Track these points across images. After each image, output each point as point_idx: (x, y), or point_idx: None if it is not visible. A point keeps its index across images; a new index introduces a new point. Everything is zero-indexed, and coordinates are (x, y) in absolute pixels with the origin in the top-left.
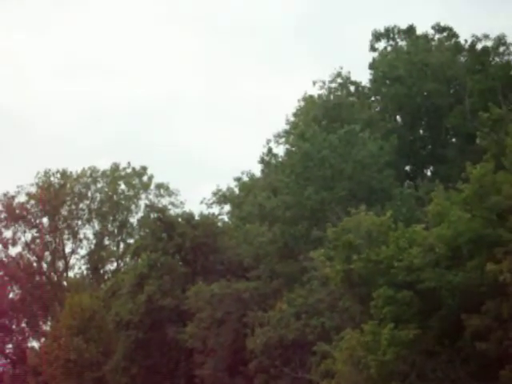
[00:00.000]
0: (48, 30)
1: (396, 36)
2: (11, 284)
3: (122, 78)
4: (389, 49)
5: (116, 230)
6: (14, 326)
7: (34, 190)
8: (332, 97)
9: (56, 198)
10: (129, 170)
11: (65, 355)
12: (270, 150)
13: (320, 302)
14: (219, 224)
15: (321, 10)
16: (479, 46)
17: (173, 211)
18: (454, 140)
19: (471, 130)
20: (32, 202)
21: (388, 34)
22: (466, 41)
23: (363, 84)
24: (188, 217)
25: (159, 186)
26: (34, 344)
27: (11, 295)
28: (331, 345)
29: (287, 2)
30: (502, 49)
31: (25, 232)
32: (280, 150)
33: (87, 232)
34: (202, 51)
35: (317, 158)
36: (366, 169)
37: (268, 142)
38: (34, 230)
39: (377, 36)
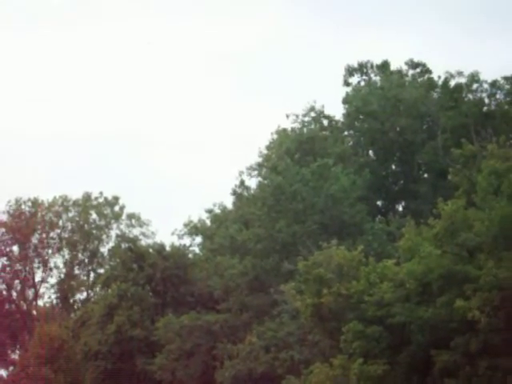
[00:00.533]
0: (17, 54)
1: (370, 71)
2: None
3: (95, 106)
4: (362, 83)
5: (86, 260)
6: None
7: (4, 217)
8: (305, 130)
9: (27, 226)
10: (101, 200)
11: None
12: (242, 182)
13: (290, 336)
14: (190, 255)
15: (295, 43)
16: (452, 83)
17: (144, 242)
18: (425, 176)
19: (443, 166)
20: (2, 229)
21: (362, 68)
22: (439, 77)
23: (336, 118)
24: (159, 248)
25: (131, 216)
26: (2, 373)
27: None
28: (300, 378)
29: (261, 34)
30: (475, 86)
31: None
32: (252, 183)
33: (57, 261)
34: (175, 80)
35: (289, 191)
36: (338, 203)
37: (240, 174)
38: (4, 259)
39: (350, 71)
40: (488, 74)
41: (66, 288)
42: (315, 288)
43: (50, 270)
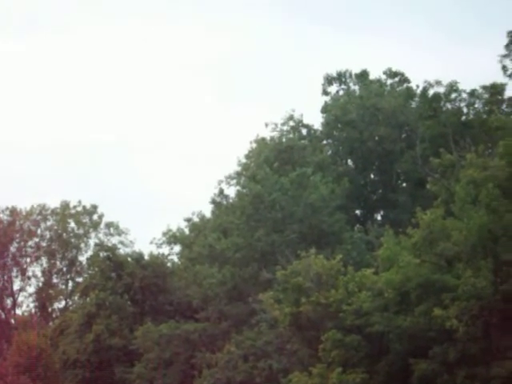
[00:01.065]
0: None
1: (348, 80)
2: None
3: (74, 115)
4: (341, 93)
5: (65, 269)
6: None
7: None
8: (284, 139)
9: (5, 235)
10: (79, 209)
11: None
12: (221, 191)
13: (268, 345)
14: (169, 264)
15: (273, 52)
16: (431, 92)
17: (122, 250)
18: (404, 185)
19: (422, 176)
20: None
21: (340, 77)
22: (417, 86)
23: (315, 127)
24: (137, 256)
25: (109, 225)
26: None
27: None
28: None
29: (238, 43)
30: (453, 95)
31: None
32: (231, 192)
33: (36, 270)
34: (154, 90)
35: (268, 200)
36: (317, 212)
37: (219, 182)
38: None
39: (329, 80)
40: (467, 83)
41: (44, 297)
42: (294, 297)
43: (29, 278)
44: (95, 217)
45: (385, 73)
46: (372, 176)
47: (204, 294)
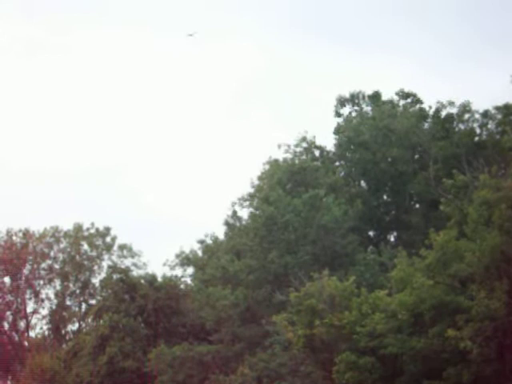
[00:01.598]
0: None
1: (361, 101)
2: None
3: (88, 140)
4: (354, 114)
5: (78, 291)
6: None
7: None
8: (297, 161)
9: (18, 257)
10: (92, 231)
11: None
12: (234, 212)
13: (282, 367)
14: (182, 286)
15: (286, 74)
16: (444, 113)
17: (135, 272)
18: (417, 206)
19: (435, 197)
20: None
21: (353, 99)
22: (430, 107)
23: (328, 149)
24: (151, 278)
25: (122, 247)
26: None
27: None
28: None
29: (252, 65)
30: (466, 116)
31: None
32: (244, 213)
33: (49, 292)
34: (167, 111)
35: (281, 221)
36: (330, 233)
37: (233, 204)
38: None
39: (342, 101)
40: (480, 103)
41: (57, 319)
42: (307, 319)
43: (42, 300)
44: (108, 239)
45: (397, 94)
46: (385, 197)
47: (217, 316)
